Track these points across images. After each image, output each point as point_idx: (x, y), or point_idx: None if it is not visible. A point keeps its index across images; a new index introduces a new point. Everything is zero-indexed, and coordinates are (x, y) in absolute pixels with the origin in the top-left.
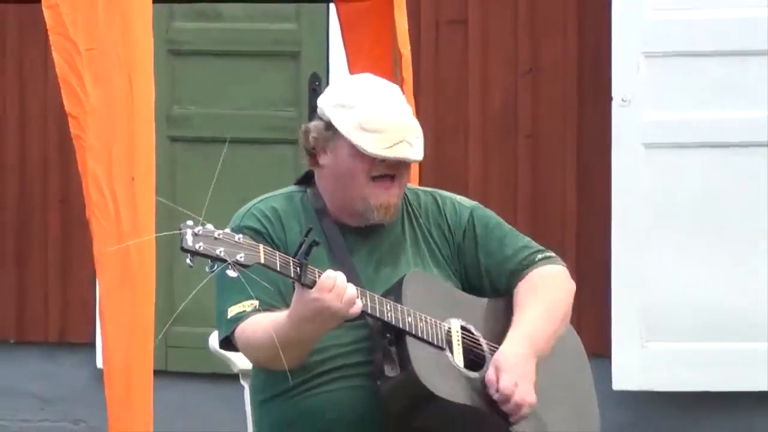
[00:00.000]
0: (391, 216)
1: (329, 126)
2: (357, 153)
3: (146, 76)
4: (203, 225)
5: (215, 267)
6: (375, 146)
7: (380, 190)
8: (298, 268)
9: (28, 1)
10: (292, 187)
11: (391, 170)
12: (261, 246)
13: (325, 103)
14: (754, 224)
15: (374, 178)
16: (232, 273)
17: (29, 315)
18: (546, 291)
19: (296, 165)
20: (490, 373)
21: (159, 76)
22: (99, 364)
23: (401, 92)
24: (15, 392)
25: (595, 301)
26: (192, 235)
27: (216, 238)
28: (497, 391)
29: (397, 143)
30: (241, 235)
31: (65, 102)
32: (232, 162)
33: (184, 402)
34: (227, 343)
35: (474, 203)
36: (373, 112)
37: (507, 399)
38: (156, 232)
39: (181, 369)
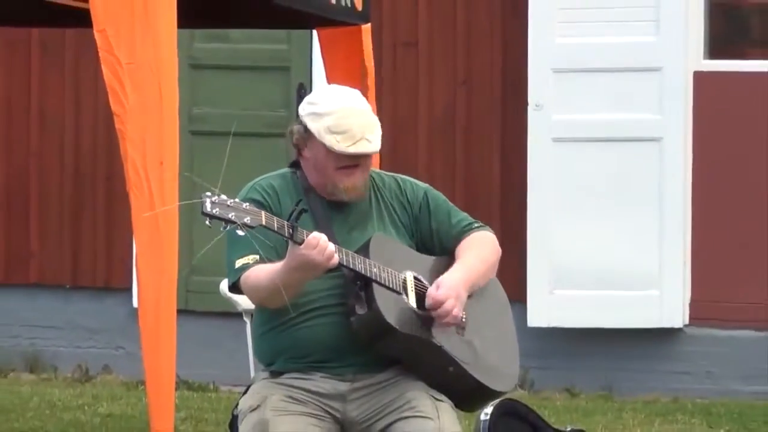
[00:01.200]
0: (357, 195)
1: (306, 129)
2: (327, 150)
3: (172, 84)
4: (218, 195)
5: (227, 227)
6: (340, 145)
7: (346, 176)
8: (290, 230)
9: (83, 26)
10: (286, 169)
11: (354, 161)
12: (263, 212)
13: (302, 111)
14: (643, 200)
15: (342, 168)
16: (240, 232)
17: (81, 266)
18: (479, 247)
19: (287, 153)
20: (432, 287)
21: (182, 84)
22: (135, 304)
23: (363, 97)
24: (70, 326)
25: (514, 260)
26: (210, 202)
27: (228, 205)
28: (432, 299)
29: (358, 140)
30: (247, 203)
31: (111, 103)
32: (238, 150)
33: (200, 334)
34: (234, 287)
35: (426, 185)
36: (337, 119)
37: (438, 305)
38: (179, 195)
39: (198, 309)
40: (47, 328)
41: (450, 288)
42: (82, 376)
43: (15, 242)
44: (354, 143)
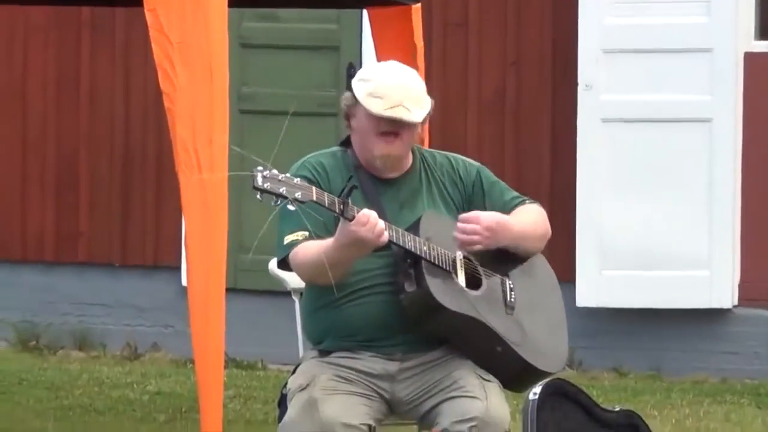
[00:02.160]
0: (394, 166)
1: (353, 96)
2: (367, 114)
3: (222, 63)
4: (270, 169)
5: (278, 202)
6: (377, 108)
7: (384, 143)
8: (341, 205)
9: (133, 5)
10: (336, 148)
11: (392, 127)
12: (314, 187)
13: (354, 79)
14: (692, 180)
15: (381, 134)
16: (291, 207)
17: (130, 244)
18: (530, 214)
19: (336, 133)
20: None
21: (232, 64)
22: (184, 282)
23: (416, 74)
24: (119, 304)
25: (564, 240)
26: (261, 176)
27: (279, 180)
28: (463, 219)
29: (396, 106)
30: (299, 178)
31: (161, 82)
32: (288, 129)
33: (249, 313)
34: (283, 263)
35: (478, 163)
36: (380, 83)
37: (464, 221)
38: (227, 184)
39: (246, 287)
40: (96, 306)
41: (488, 221)
42: (131, 354)
43: (65, 221)
44: (391, 107)
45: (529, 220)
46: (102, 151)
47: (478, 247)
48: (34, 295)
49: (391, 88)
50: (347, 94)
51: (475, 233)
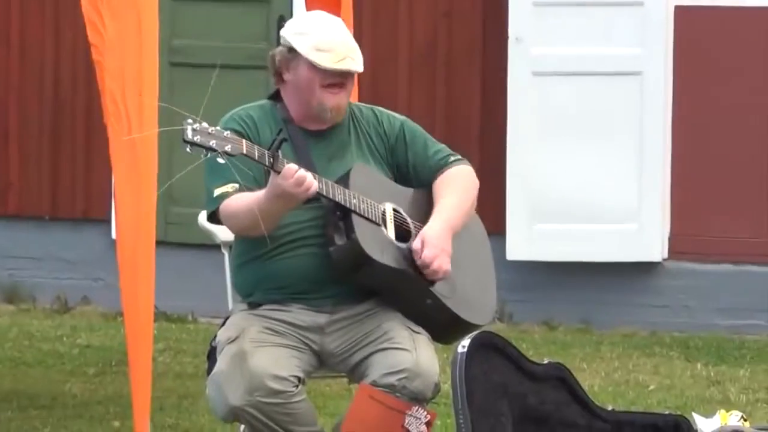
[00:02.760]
0: (340, 115)
1: (291, 50)
2: (313, 68)
3: (152, 14)
4: (200, 123)
5: (208, 155)
6: (327, 61)
7: (331, 95)
8: (271, 158)
9: None
10: (265, 101)
11: (340, 78)
12: (244, 140)
13: (286, 32)
14: (623, 134)
15: (327, 86)
16: (221, 160)
17: (60, 197)
18: (458, 184)
19: (267, 86)
20: (416, 244)
21: (163, 15)
22: (113, 235)
23: (341, 21)
24: (49, 257)
25: (494, 192)
26: (191, 129)
27: (209, 133)
28: (420, 258)
29: (343, 59)
30: (229, 131)
31: (89, 34)
32: (218, 82)
33: (179, 266)
34: (213, 217)
35: (404, 117)
36: (324, 36)
37: (427, 266)
38: (157, 137)
39: (176, 240)
40: (26, 259)
41: (435, 245)
42: (61, 307)
43: None
44: (341, 60)
45: (460, 198)
46: (32, 103)
47: (448, 266)
48: None
49: (337, 40)
50: (280, 48)
51: (434, 260)
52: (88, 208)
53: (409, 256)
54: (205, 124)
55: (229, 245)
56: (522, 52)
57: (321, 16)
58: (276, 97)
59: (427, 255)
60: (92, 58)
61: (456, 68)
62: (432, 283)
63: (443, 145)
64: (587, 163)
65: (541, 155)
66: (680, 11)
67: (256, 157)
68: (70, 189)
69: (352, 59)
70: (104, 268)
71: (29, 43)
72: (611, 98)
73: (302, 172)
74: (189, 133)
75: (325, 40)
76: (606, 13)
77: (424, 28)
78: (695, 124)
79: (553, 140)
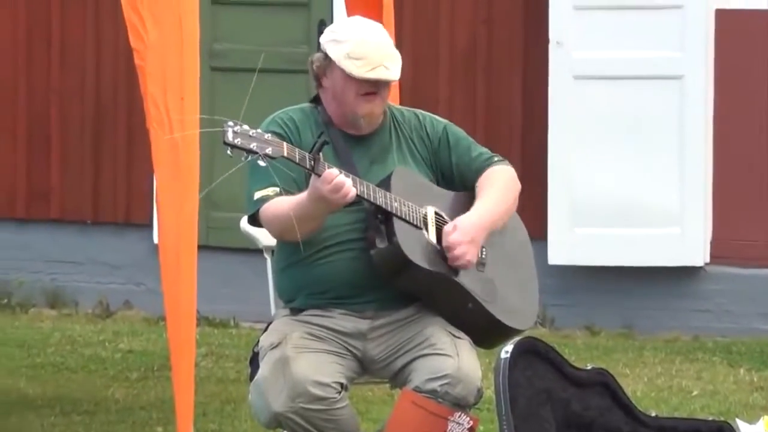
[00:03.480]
0: (375, 123)
1: (326, 56)
2: (346, 76)
3: (193, 19)
4: (241, 125)
5: (248, 157)
6: (359, 70)
7: (365, 103)
8: (312, 161)
9: None
10: (306, 104)
11: (372, 87)
12: (285, 143)
13: (324, 39)
14: (663, 137)
15: (361, 94)
16: (261, 163)
17: (102, 202)
18: (499, 184)
19: (308, 90)
20: (448, 227)
21: (203, 20)
22: (155, 240)
23: (383, 29)
24: (91, 262)
25: (535, 197)
26: (232, 132)
27: (250, 136)
28: (447, 241)
29: (376, 66)
30: (270, 134)
31: (130, 39)
32: (258, 87)
33: (221, 270)
34: (253, 220)
35: (446, 120)
36: (357, 44)
37: (452, 250)
38: (199, 142)
39: (218, 244)
40: (68, 264)
41: (465, 232)
42: (103, 312)
43: (36, 178)
44: (372, 69)
45: (499, 195)
46: (73, 108)
47: (475, 259)
48: (5, 253)
49: (370, 48)
50: (318, 54)
51: (464, 255)
52: (130, 212)
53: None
54: (245, 127)
55: (272, 250)
56: (563, 55)
57: (359, 22)
58: (317, 100)
59: (454, 239)
60: (134, 62)
61: (497, 72)
62: (455, 272)
63: (485, 148)
64: (628, 167)
65: (583, 159)
66: (721, 14)
67: (297, 160)
68: (112, 193)
69: (386, 68)
70: (146, 272)
71: (70, 47)
72: (652, 102)
73: (342, 177)
74: (230, 136)
75: (359, 48)
76: (646, 16)
77: (465, 32)
78: (736, 127)
79: (594, 144)
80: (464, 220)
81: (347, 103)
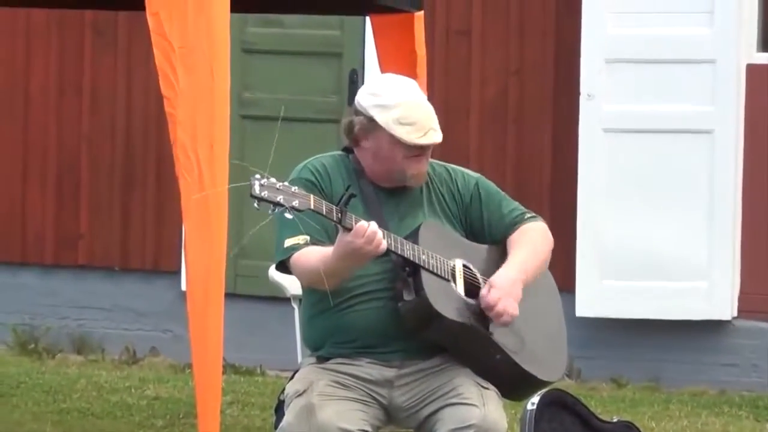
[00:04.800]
0: (422, 180)
1: (371, 120)
2: (397, 141)
3: (224, 68)
4: (267, 178)
5: (276, 210)
6: (412, 136)
7: (415, 164)
8: (339, 214)
9: (136, 9)
10: (338, 152)
11: (422, 150)
12: (311, 196)
13: (365, 102)
14: (693, 191)
15: (411, 157)
16: (288, 216)
17: (130, 248)
18: (532, 239)
19: (338, 139)
20: (484, 289)
21: (234, 69)
22: (183, 287)
23: (418, 86)
24: (118, 308)
25: (564, 249)
26: (259, 185)
27: (277, 189)
28: (485, 301)
29: (427, 132)
30: (296, 187)
31: (162, 86)
32: (288, 136)
33: (248, 318)
34: (282, 267)
35: (478, 174)
36: (405, 110)
37: (491, 308)
38: (228, 189)
39: (246, 293)
40: (95, 310)
41: (501, 288)
42: (130, 358)
43: (65, 223)
44: (424, 134)
45: (533, 251)
46: (103, 154)
47: (516, 313)
48: (33, 298)
49: (419, 114)
50: (359, 118)
51: (505, 312)
52: (158, 259)
53: (479, 312)
54: (273, 179)
55: (299, 298)
56: (593, 108)
57: (400, 84)
58: (349, 149)
59: (492, 296)
60: (164, 109)
61: (527, 124)
62: (485, 324)
63: (517, 203)
64: (657, 220)
65: (612, 212)
66: (752, 69)
67: (324, 213)
68: (141, 240)
69: (435, 130)
70: (173, 319)
71: (101, 93)
72: (682, 156)
73: (373, 230)
74: (257, 189)
75: (408, 115)
76: (678, 70)
77: (496, 83)
78: (766, 182)
79: (623, 197)
80: (499, 276)
81: (395, 165)
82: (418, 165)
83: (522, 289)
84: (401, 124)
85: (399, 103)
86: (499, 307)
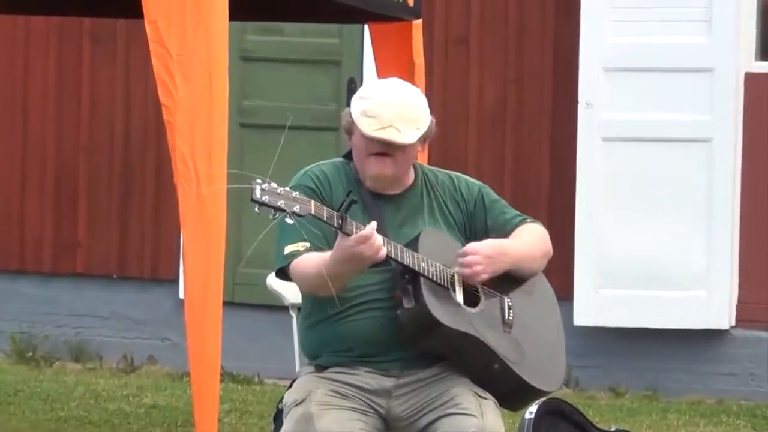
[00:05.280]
0: (385, 186)
1: (351, 114)
2: (361, 135)
3: (222, 76)
4: (269, 183)
5: (276, 215)
6: (368, 128)
7: (375, 163)
8: (340, 220)
9: (134, 17)
10: (339, 159)
11: (383, 148)
12: (312, 201)
13: (354, 96)
14: (691, 200)
15: (373, 154)
16: (289, 221)
17: (128, 256)
18: (529, 235)
19: (337, 147)
20: (470, 244)
21: (233, 77)
22: (181, 295)
23: (418, 94)
24: (115, 316)
25: (562, 257)
26: (260, 189)
27: (278, 193)
28: (465, 250)
29: (386, 127)
30: (297, 192)
31: (160, 95)
32: (287, 143)
33: (246, 327)
34: (282, 274)
35: (480, 182)
36: (372, 103)
37: (464, 257)
38: (226, 199)
39: (244, 301)
40: (93, 318)
41: (486, 246)
42: (127, 366)
43: (63, 231)
44: (382, 128)
45: (528, 241)
46: (101, 162)
47: (483, 276)
48: (31, 306)
49: (385, 108)
50: (347, 110)
51: (477, 263)
52: (156, 267)
53: (478, 321)
54: (273, 184)
55: (297, 307)
56: (592, 117)
57: (390, 83)
58: (350, 156)
59: (472, 247)
60: (163, 118)
61: (525, 132)
62: (483, 333)
63: (518, 211)
64: (655, 229)
65: (610, 220)
66: (750, 78)
67: (325, 218)
68: (139, 248)
69: (398, 130)
70: (171, 327)
71: (99, 101)
72: (680, 164)
73: (374, 234)
74: (257, 193)
75: (374, 107)
76: (676, 79)
77: (494, 91)
78: (764, 190)
79: (621, 206)
80: (487, 242)
81: (360, 161)
82: (379, 165)
83: (507, 266)
84: (366, 116)
85: (371, 97)
86: (470, 258)
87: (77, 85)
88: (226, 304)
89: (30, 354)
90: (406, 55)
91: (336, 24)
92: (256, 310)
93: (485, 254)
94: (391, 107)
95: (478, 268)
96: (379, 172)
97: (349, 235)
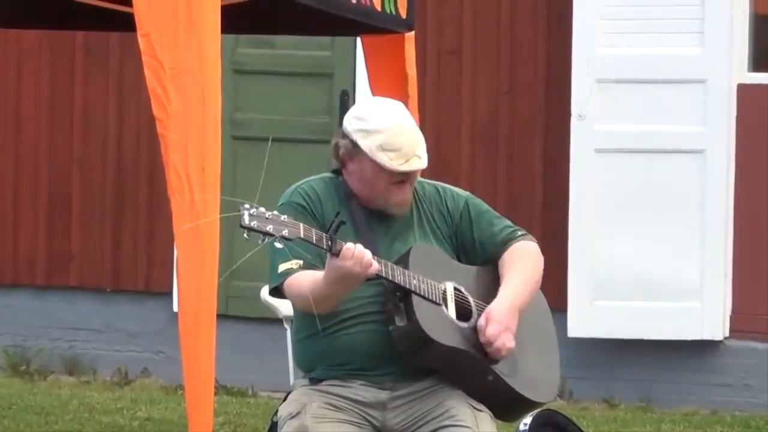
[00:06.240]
0: (405, 208)
1: (355, 145)
2: (379, 168)
3: (215, 88)
4: (257, 208)
5: (266, 239)
6: (394, 163)
7: (397, 191)
8: (329, 242)
9: (127, 30)
10: (328, 174)
11: (404, 177)
12: (301, 224)
13: (350, 126)
14: (684, 211)
15: (393, 184)
16: (278, 245)
17: (122, 269)
18: (524, 262)
19: (330, 160)
20: (481, 321)
21: (225, 89)
22: (175, 308)
23: (407, 109)
24: (109, 329)
25: (555, 269)
26: (248, 215)
27: (266, 218)
28: (484, 336)
29: (410, 158)
30: (286, 216)
31: (153, 108)
32: (280, 156)
33: (240, 339)
34: (276, 291)
35: (467, 193)
36: (389, 137)
37: (491, 343)
38: (220, 209)
39: (238, 314)
40: (87, 331)
41: (499, 323)
42: (121, 379)
43: (56, 245)
44: (407, 161)
45: (526, 276)
46: (95, 175)
47: (511, 344)
48: (24, 319)
49: (402, 140)
50: (345, 142)
51: (501, 348)
52: (150, 280)
53: (471, 336)
54: (262, 209)
55: (291, 320)
56: (584, 128)
57: (387, 108)
58: (340, 171)
59: (491, 332)
60: (156, 131)
61: (518, 144)
62: (495, 361)
63: (508, 221)
64: (649, 240)
65: (603, 232)
66: (743, 89)
67: (314, 241)
68: (133, 261)
69: (419, 157)
70: (165, 340)
71: (92, 114)
72: (673, 176)
73: (360, 251)
74: (246, 219)
75: (391, 141)
76: (669, 90)
77: (486, 103)
78: (757, 202)
79: (615, 217)
80: (495, 308)
81: (378, 192)
82: (401, 192)
83: (517, 318)
84: (384, 150)
85: (383, 129)
86: (498, 343)
87: (70, 98)
88: (219, 316)
89: (24, 367)
90: (399, 67)
91: (328, 36)
92: (250, 323)
93: (502, 330)
94: (407, 137)
95: (507, 346)
96: (404, 198)
97: (338, 255)
